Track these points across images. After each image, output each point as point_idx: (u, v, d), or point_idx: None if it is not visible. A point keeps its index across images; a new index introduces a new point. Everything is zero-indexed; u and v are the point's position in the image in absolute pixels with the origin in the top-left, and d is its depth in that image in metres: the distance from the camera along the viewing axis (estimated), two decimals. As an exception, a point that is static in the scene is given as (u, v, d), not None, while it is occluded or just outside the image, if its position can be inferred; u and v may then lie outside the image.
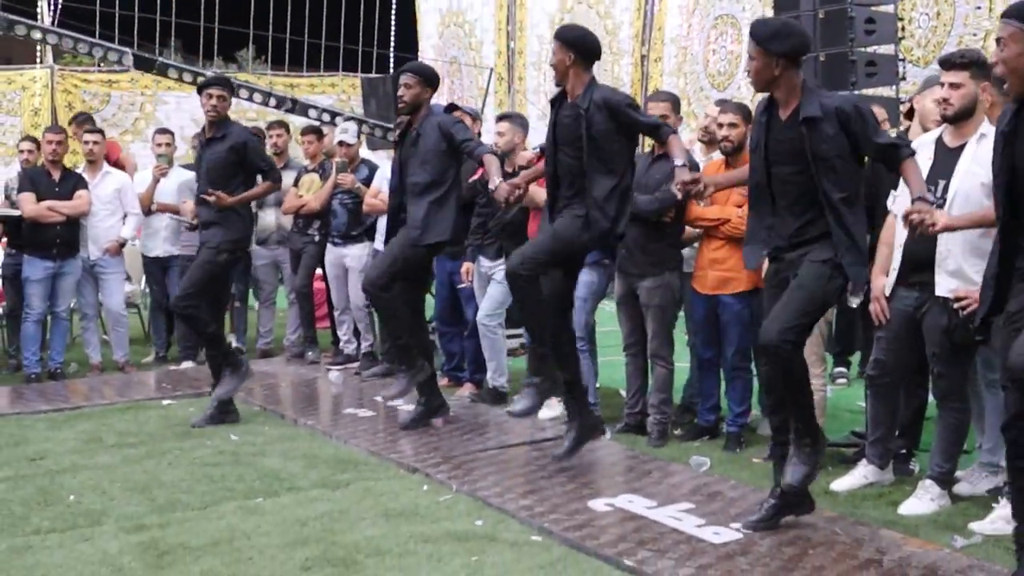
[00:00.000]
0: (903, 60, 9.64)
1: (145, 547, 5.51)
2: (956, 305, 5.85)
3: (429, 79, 8.06)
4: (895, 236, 6.25)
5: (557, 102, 6.83)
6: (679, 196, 6.30)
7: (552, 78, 7.06)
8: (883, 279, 6.30)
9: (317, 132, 11.19)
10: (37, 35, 13.80)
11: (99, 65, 14.52)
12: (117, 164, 11.71)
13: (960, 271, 5.89)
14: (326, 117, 13.27)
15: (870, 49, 9.89)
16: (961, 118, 5.97)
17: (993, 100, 6.05)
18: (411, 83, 7.90)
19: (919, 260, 6.01)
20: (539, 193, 7.60)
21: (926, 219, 5.18)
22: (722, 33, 13.61)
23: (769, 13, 10.83)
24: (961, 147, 5.97)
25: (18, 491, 6.49)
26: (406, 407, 8.36)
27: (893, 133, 7.10)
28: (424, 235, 7.73)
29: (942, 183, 5.94)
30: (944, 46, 10.95)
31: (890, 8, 10.01)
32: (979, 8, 10.86)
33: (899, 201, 6.15)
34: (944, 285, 5.93)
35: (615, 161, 6.58)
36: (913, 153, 5.48)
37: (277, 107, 13.45)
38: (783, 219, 5.60)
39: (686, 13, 14.17)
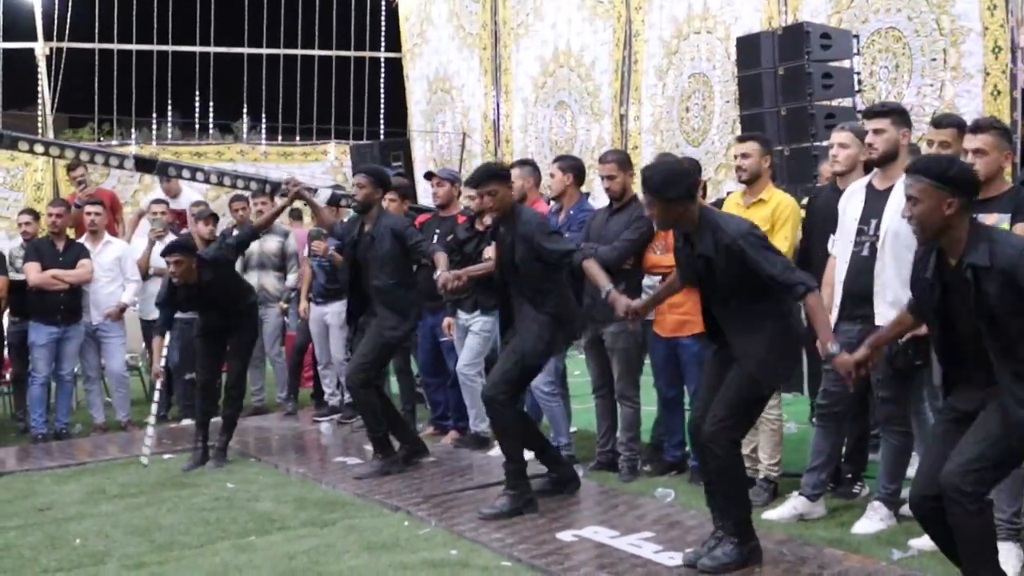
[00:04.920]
0: (861, 111, 10.11)
1: (145, 582, 5.97)
2: (894, 334, 6.24)
3: (381, 181, 8.64)
4: (835, 275, 6.62)
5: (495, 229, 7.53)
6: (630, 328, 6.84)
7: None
8: (827, 316, 6.71)
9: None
10: (40, 149, 14.24)
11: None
12: (115, 208, 12.24)
13: (898, 301, 6.12)
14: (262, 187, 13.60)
15: (831, 103, 10.43)
16: (886, 160, 6.42)
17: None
18: (364, 183, 8.50)
19: (858, 295, 6.37)
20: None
21: (852, 374, 5.46)
22: (695, 91, 14.13)
23: (735, 71, 11.34)
24: (889, 189, 6.38)
25: (27, 537, 6.94)
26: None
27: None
28: (392, 330, 8.44)
29: (873, 222, 6.37)
30: (903, 97, 11.42)
31: (846, 64, 10.55)
32: (935, 60, 11.36)
33: (838, 244, 6.62)
34: (884, 315, 6.23)
35: (545, 280, 7.22)
36: (812, 289, 5.69)
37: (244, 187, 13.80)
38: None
39: (660, 73, 14.69)
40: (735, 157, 7.54)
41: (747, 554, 5.83)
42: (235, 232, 10.45)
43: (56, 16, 18.76)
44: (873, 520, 6.46)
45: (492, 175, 7.36)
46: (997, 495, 5.39)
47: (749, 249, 5.65)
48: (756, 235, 5.79)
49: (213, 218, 11.25)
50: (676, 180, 5.81)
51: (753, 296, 5.75)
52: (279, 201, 9.84)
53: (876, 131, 6.44)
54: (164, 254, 9.08)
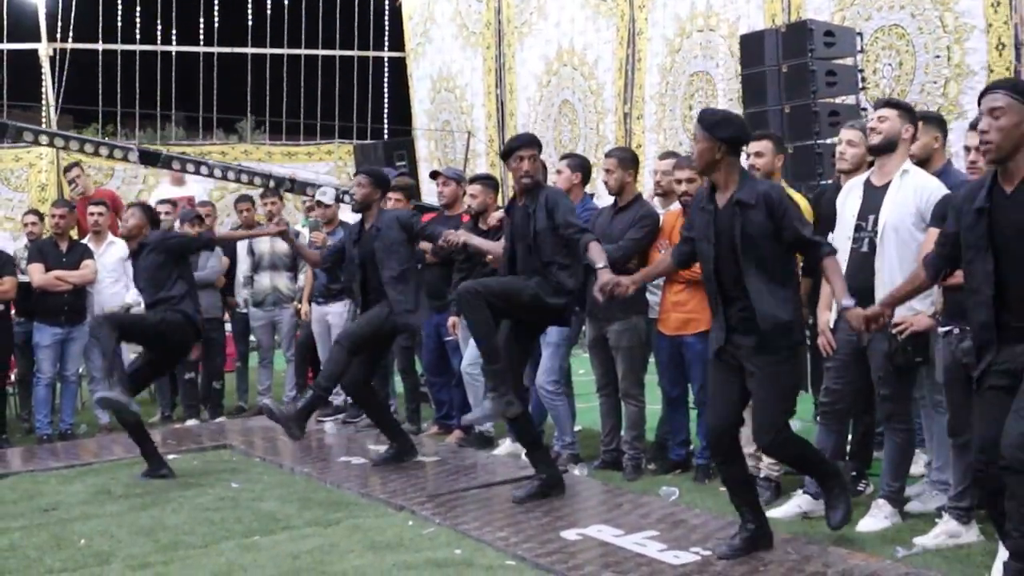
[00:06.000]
0: (866, 109, 10.10)
1: (149, 582, 5.98)
2: (895, 330, 6.22)
3: (379, 181, 8.78)
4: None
5: (511, 205, 7.62)
6: (600, 300, 6.69)
7: (540, 139, 7.75)
8: (827, 314, 6.68)
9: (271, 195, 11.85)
10: (44, 140, 14.38)
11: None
12: (117, 208, 12.36)
13: None
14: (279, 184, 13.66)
15: (835, 100, 10.41)
16: (885, 149, 6.46)
17: (927, 141, 6.64)
18: (364, 183, 8.70)
19: (858, 291, 6.32)
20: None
21: (863, 327, 5.59)
22: (698, 89, 14.12)
23: (739, 69, 11.34)
24: (886, 185, 6.42)
25: (32, 538, 6.92)
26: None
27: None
28: (409, 317, 8.52)
29: (871, 218, 6.40)
30: (907, 94, 11.42)
31: (850, 61, 10.53)
32: (938, 57, 11.34)
33: (837, 240, 6.60)
34: None
35: (559, 254, 7.29)
36: (834, 252, 5.88)
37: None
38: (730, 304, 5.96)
39: (663, 71, 14.69)
40: (747, 156, 7.53)
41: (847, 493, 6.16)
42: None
43: (60, 17, 18.79)
44: (878, 518, 6.47)
45: (532, 141, 7.56)
46: None
47: (785, 204, 5.78)
48: (788, 198, 5.97)
49: (199, 220, 11.25)
50: (728, 123, 5.94)
51: (768, 260, 5.79)
52: (256, 230, 9.95)
53: (881, 119, 6.48)
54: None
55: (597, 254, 6.89)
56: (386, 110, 20.49)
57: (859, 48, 10.76)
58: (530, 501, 7.23)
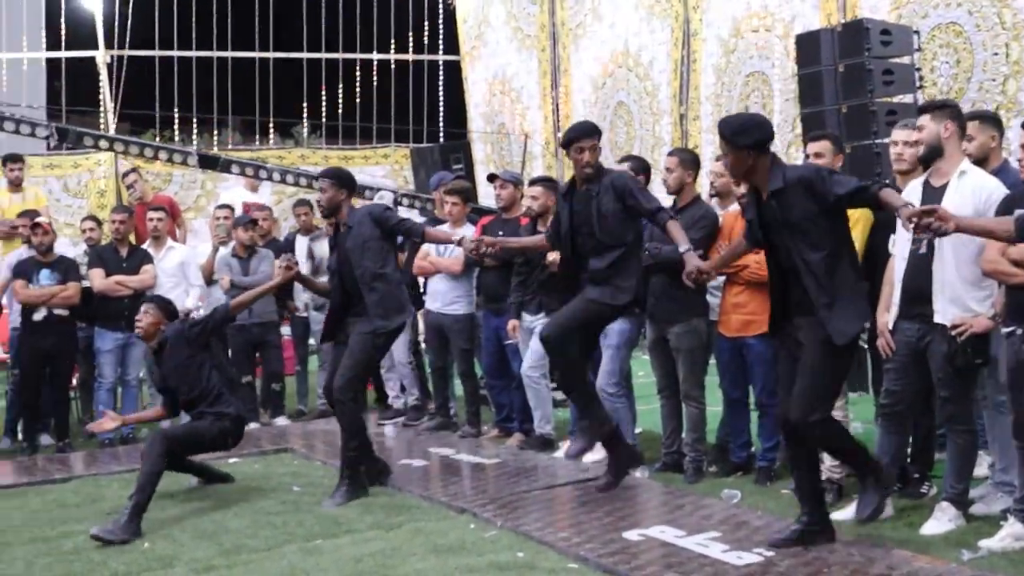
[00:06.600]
0: (919, 107, 10.02)
1: (214, 585, 6.03)
2: (954, 332, 6.20)
3: (343, 182, 8.16)
4: (895, 274, 6.63)
5: (567, 193, 7.59)
6: (689, 284, 6.88)
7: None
8: (887, 315, 6.67)
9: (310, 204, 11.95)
10: (104, 144, 14.61)
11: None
12: (175, 214, 12.48)
13: (958, 299, 6.23)
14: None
15: (892, 99, 10.34)
16: (933, 156, 6.43)
17: (983, 140, 6.60)
18: (326, 187, 8.13)
19: (917, 293, 6.37)
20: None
21: (934, 223, 5.44)
22: (754, 90, 14.03)
23: (795, 69, 11.28)
24: (944, 186, 6.38)
25: (96, 541, 6.99)
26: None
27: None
28: (382, 321, 7.98)
29: (930, 220, 6.36)
30: (965, 92, 11.31)
31: (907, 60, 10.46)
32: (996, 54, 11.22)
33: (897, 242, 6.57)
34: (943, 313, 6.26)
35: (625, 234, 7.31)
36: (884, 186, 5.96)
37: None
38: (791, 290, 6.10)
39: (719, 72, 14.63)
40: (807, 156, 7.51)
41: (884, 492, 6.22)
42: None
43: (116, 24, 18.95)
44: (942, 521, 6.42)
45: (593, 130, 7.56)
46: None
47: (822, 175, 5.91)
48: (825, 168, 6.16)
49: (252, 224, 11.32)
50: (747, 129, 6.05)
51: (823, 247, 5.87)
52: (269, 284, 9.51)
53: (919, 129, 6.56)
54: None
55: (679, 235, 6.97)
56: (441, 113, 20.53)
57: (916, 46, 10.68)
58: (614, 487, 7.42)
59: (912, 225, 5.47)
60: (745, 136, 5.97)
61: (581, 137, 7.41)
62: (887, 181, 6.40)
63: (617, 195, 7.24)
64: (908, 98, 10.46)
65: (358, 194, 13.78)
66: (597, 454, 8.48)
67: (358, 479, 7.91)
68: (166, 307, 8.57)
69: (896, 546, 6.13)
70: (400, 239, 8.68)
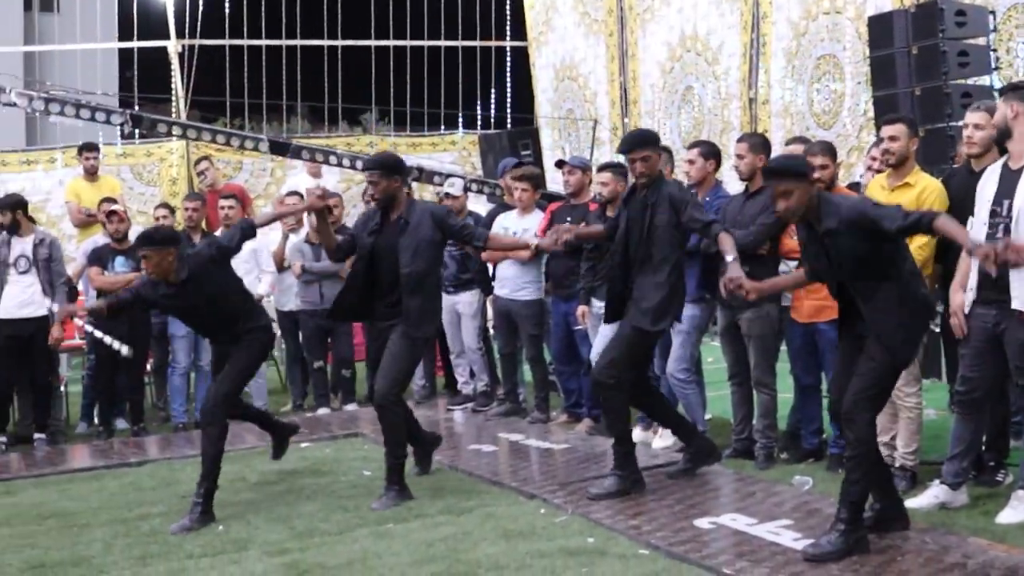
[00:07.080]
0: (998, 90, 9.88)
1: (287, 568, 6.09)
2: (1030, 318, 6.12)
3: (391, 169, 7.75)
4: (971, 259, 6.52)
5: (630, 194, 7.59)
6: (724, 295, 6.92)
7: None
8: (961, 295, 6.59)
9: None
10: (177, 131, 14.80)
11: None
12: (245, 202, 12.71)
13: None
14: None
15: (967, 81, 10.20)
16: (1003, 139, 6.40)
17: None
18: (375, 179, 7.72)
19: (994, 279, 6.23)
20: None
21: (1012, 257, 5.34)
22: (825, 73, 13.92)
23: (866, 51, 11.16)
24: (1021, 168, 6.30)
25: (172, 523, 7.12)
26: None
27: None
28: (425, 328, 7.76)
29: (1006, 203, 6.27)
30: (1042, 74, 11.18)
31: (982, 41, 10.31)
32: (1074, 35, 11.08)
33: (975, 226, 6.48)
34: (1020, 299, 6.16)
35: (673, 251, 7.36)
36: (936, 216, 5.80)
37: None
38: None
39: (789, 55, 14.51)
40: (881, 140, 7.41)
41: (853, 543, 5.80)
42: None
43: (187, 14, 19.12)
44: (1018, 510, 6.33)
45: (646, 140, 7.51)
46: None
47: (870, 211, 5.82)
48: (869, 202, 6.09)
49: (327, 211, 11.32)
50: (794, 164, 6.10)
51: (880, 278, 5.81)
52: (299, 207, 9.64)
53: (976, 126, 6.49)
54: (136, 245, 7.79)
55: (728, 245, 6.89)
56: (509, 99, 20.54)
57: (992, 27, 10.52)
58: (692, 474, 7.61)
59: (992, 265, 5.40)
60: (798, 168, 6.03)
61: (634, 147, 7.40)
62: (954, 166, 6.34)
63: (673, 207, 7.24)
64: (984, 80, 10.32)
65: (426, 181, 13.91)
66: (666, 440, 8.48)
67: (404, 487, 7.59)
68: (164, 238, 7.56)
69: (971, 534, 6.06)
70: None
